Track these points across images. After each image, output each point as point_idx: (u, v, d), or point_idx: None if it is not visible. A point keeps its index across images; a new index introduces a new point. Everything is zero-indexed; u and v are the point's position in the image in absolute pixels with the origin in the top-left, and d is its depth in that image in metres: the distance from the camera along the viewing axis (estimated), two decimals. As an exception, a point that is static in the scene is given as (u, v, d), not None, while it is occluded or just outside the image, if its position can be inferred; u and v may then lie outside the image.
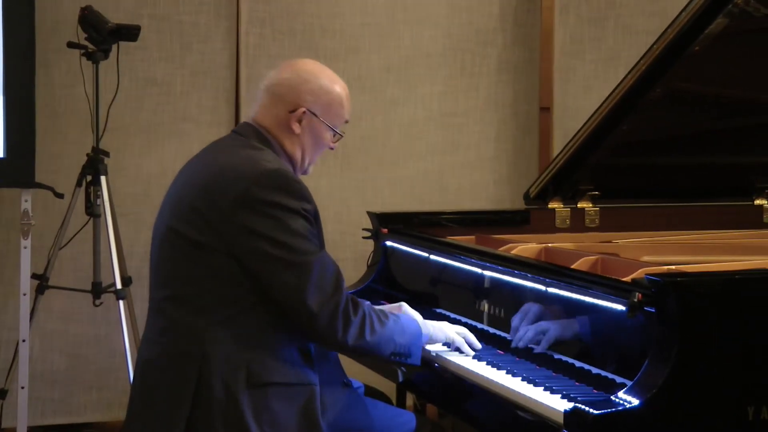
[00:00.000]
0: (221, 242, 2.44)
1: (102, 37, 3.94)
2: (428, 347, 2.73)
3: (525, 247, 3.04)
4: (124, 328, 3.96)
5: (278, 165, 2.52)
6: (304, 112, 2.60)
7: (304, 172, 2.69)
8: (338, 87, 2.66)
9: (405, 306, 2.73)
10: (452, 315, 3.03)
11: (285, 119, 2.61)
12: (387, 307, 2.72)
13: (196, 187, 2.52)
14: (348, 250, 4.58)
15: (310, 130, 2.62)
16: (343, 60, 4.68)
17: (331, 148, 2.70)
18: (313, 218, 2.50)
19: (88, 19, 3.95)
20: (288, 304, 2.44)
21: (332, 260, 2.50)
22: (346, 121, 2.69)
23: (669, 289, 2.17)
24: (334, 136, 2.67)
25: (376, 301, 3.07)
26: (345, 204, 4.70)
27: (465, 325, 2.94)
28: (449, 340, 2.72)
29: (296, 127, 2.60)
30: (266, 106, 2.63)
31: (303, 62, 2.68)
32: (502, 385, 2.45)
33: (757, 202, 3.74)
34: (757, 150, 3.62)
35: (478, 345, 2.74)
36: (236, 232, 2.43)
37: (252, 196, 2.43)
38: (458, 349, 2.72)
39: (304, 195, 2.48)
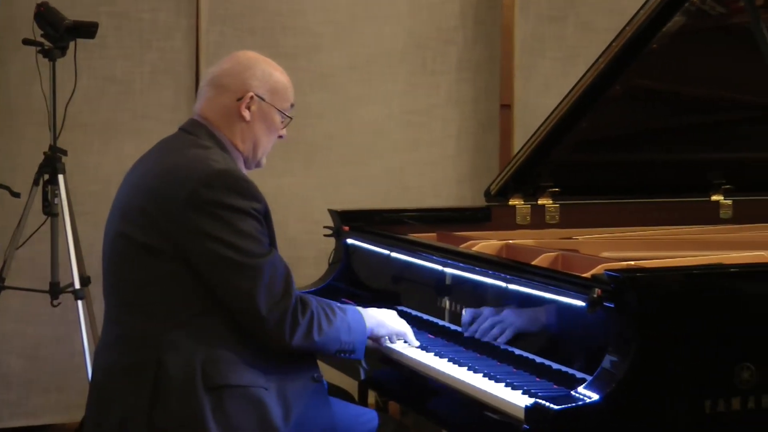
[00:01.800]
0: (171, 245, 2.42)
1: (59, 34, 3.90)
2: (389, 344, 2.75)
3: (486, 244, 3.05)
4: (83, 328, 3.93)
5: (226, 165, 2.50)
6: (252, 97, 2.59)
7: (258, 165, 2.68)
8: (280, 72, 2.68)
9: (394, 313, 2.78)
10: (414, 312, 3.03)
11: (234, 108, 2.60)
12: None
13: (144, 190, 2.49)
14: (310, 248, 4.57)
15: (260, 116, 2.62)
16: (305, 58, 4.66)
17: (281, 137, 2.69)
18: (263, 217, 2.48)
19: (45, 16, 3.90)
20: (237, 308, 2.43)
21: (283, 261, 2.49)
22: (292, 105, 2.70)
23: (628, 284, 2.18)
24: (282, 120, 2.67)
25: (337, 300, 3.07)
26: (307, 202, 4.69)
27: (426, 322, 2.95)
28: (392, 333, 2.74)
29: (246, 114, 2.60)
30: (212, 98, 2.62)
31: (241, 52, 2.69)
32: (464, 382, 2.45)
33: (714, 198, 3.77)
34: (714, 147, 3.65)
35: (416, 342, 2.77)
36: (186, 234, 2.41)
37: (200, 198, 2.41)
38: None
39: (252, 194, 2.46)
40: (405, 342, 2.77)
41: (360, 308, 2.73)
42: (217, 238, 2.40)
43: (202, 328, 2.43)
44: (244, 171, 2.63)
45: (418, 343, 2.76)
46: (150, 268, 2.44)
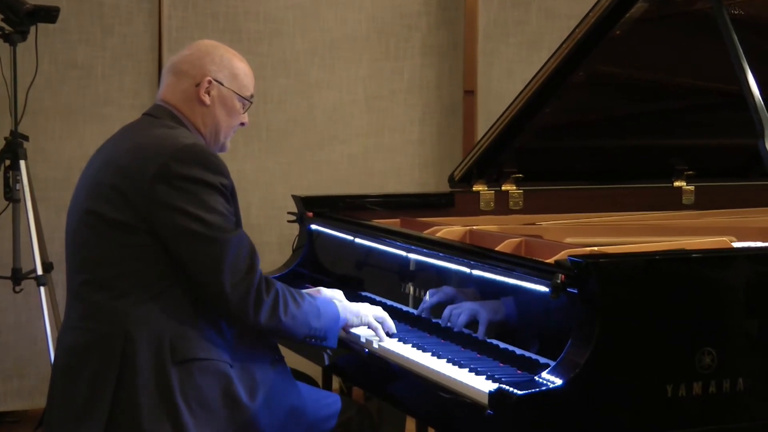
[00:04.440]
0: (141, 219, 2.43)
1: (19, 18, 3.87)
2: (353, 330, 2.74)
3: (450, 229, 3.05)
4: (45, 314, 3.91)
5: (195, 140, 2.54)
6: (210, 82, 2.62)
7: (222, 148, 2.69)
8: (239, 59, 2.70)
9: (323, 289, 2.76)
10: (378, 298, 3.04)
11: (193, 93, 2.62)
12: (304, 292, 2.72)
13: (113, 167, 2.50)
14: (273, 233, 4.57)
15: (220, 100, 2.64)
16: (268, 43, 4.65)
17: (243, 124, 2.71)
18: (229, 194, 2.51)
19: (5, 0, 3.87)
20: (202, 282, 2.44)
21: (248, 239, 2.50)
22: (252, 95, 2.71)
23: (591, 269, 2.19)
24: (243, 106, 2.68)
25: (301, 285, 3.06)
26: (270, 188, 4.68)
27: (390, 308, 2.95)
28: (365, 324, 2.73)
29: (206, 99, 2.62)
30: (172, 84, 2.64)
31: (202, 41, 2.73)
32: (428, 367, 2.46)
33: (677, 184, 3.81)
34: (677, 133, 3.68)
35: (394, 329, 2.76)
36: (155, 207, 2.42)
37: (170, 171, 2.42)
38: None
39: (221, 169, 2.48)
40: (380, 329, 2.74)
41: (335, 299, 2.72)
42: (184, 210, 2.41)
43: (171, 303, 2.44)
44: None
45: (395, 329, 2.75)
46: (120, 244, 2.44)
